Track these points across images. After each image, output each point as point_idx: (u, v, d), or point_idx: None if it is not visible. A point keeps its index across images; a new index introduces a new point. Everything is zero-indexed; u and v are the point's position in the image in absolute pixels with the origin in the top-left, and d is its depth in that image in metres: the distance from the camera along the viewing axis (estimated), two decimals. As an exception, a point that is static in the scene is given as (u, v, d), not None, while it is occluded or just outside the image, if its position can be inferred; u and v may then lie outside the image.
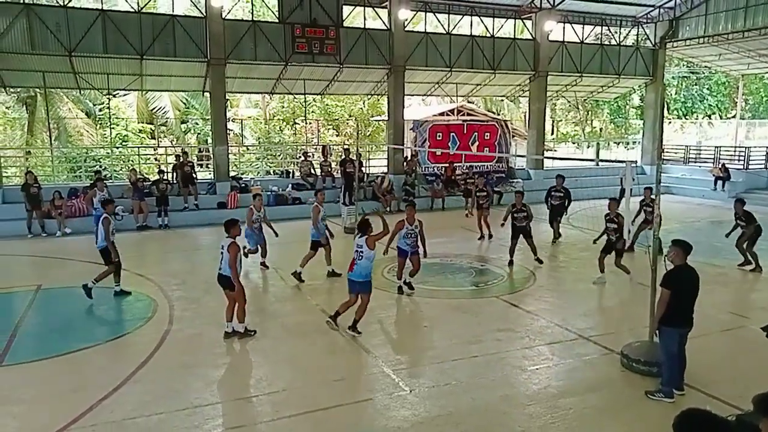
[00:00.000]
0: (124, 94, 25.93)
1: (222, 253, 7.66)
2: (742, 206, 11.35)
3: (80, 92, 22.93)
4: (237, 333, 7.77)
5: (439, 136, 21.28)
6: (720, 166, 22.21)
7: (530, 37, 22.17)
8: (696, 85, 39.33)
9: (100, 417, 5.66)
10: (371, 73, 20.25)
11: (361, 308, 7.77)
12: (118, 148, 24.73)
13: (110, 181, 16.63)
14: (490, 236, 14.14)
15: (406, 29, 19.68)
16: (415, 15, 20.47)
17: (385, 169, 21.04)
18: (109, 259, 9.41)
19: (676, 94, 39.23)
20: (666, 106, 35.78)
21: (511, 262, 11.65)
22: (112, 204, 10.17)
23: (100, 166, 21.17)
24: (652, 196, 12.45)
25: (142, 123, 27.38)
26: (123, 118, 26.89)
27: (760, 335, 7.84)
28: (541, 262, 11.70)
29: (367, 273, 7.73)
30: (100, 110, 26.33)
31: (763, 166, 22.88)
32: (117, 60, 16.95)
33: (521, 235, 11.58)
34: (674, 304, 5.88)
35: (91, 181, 16.55)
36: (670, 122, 37.26)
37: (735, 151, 24.78)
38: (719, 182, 21.70)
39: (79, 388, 6.32)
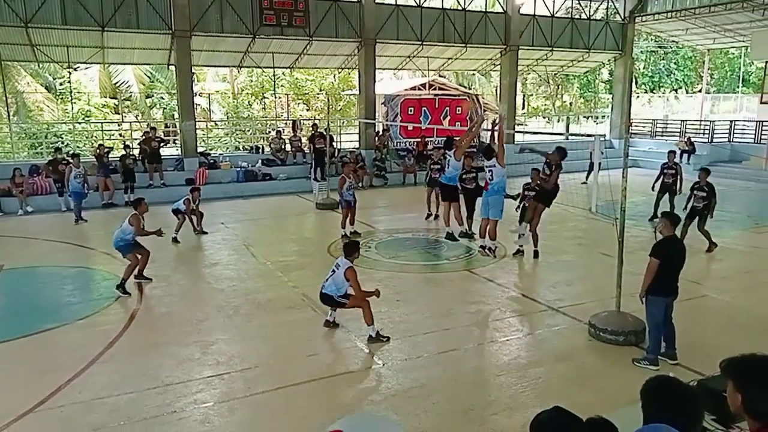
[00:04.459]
0: (86, 68, 25.05)
1: (334, 270, 6.98)
2: (707, 175, 10.82)
3: (39, 65, 22.09)
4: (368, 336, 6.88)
5: (411, 111, 21.20)
6: (686, 140, 22.63)
7: (501, 11, 22.06)
8: (663, 59, 39.80)
9: (68, 398, 5.56)
10: (341, 46, 19.93)
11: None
12: (80, 123, 23.98)
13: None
14: None
15: (376, 2, 19.35)
16: (385, -13, 20.15)
17: (357, 144, 20.89)
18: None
19: (644, 68, 39.64)
20: (634, 80, 36.19)
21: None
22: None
23: (62, 142, 20.52)
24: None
25: (106, 98, 26.52)
26: (85, 93, 26.00)
27: (721, 304, 8.14)
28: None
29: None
30: (61, 84, 25.39)
31: (727, 139, 23.43)
32: (77, 32, 16.29)
33: None
34: (662, 273, 6.03)
35: (51, 158, 16.09)
36: (638, 96, 37.71)
37: (700, 125, 25.29)
38: (685, 155, 22.14)
39: (47, 369, 6.19)
